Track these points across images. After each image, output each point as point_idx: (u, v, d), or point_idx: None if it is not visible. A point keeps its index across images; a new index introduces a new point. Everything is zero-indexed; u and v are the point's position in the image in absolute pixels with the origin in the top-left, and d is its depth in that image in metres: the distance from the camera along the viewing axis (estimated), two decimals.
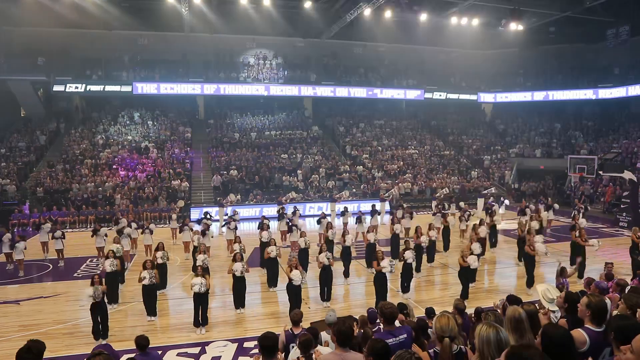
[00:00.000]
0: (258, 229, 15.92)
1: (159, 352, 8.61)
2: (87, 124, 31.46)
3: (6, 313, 11.26)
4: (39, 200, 24.04)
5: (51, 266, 15.65)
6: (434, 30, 32.36)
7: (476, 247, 12.20)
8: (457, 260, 11.52)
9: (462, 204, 21.62)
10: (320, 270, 11.41)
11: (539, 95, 35.40)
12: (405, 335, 4.71)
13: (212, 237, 16.18)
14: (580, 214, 19.45)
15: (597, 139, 32.47)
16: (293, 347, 6.07)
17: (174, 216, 19.26)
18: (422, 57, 36.98)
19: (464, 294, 11.29)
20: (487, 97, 37.76)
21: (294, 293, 10.20)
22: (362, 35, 33.09)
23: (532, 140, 34.62)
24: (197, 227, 16.69)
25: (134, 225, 17.32)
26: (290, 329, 6.36)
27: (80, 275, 14.40)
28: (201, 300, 9.86)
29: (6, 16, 26.78)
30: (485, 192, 26.80)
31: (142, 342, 6.15)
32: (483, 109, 39.95)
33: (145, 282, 10.27)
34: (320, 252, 11.52)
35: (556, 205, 21.30)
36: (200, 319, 9.94)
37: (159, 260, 11.97)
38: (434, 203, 22.31)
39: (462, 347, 3.82)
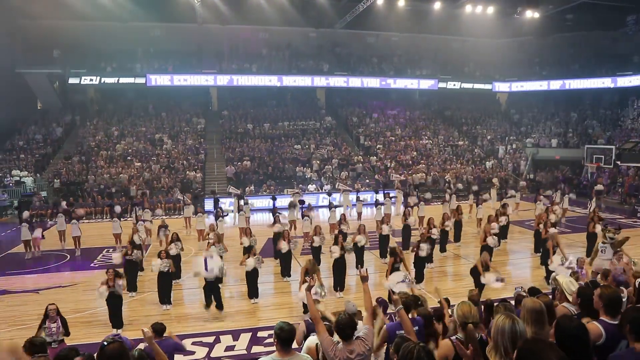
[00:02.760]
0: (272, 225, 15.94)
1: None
2: (102, 116, 31.78)
3: (26, 302, 11.50)
4: (56, 191, 24.40)
5: (69, 256, 15.92)
6: (448, 19, 31.97)
7: (491, 241, 12.50)
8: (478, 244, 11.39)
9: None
10: (334, 261, 11.47)
11: (555, 84, 34.85)
12: (416, 328, 4.74)
13: (225, 224, 16.33)
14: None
15: (615, 128, 31.87)
16: (313, 334, 6.10)
17: (189, 208, 19.37)
18: (435, 47, 36.59)
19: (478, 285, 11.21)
20: (502, 87, 37.29)
21: None
22: (375, 24, 32.79)
23: (548, 130, 34.12)
24: (211, 217, 16.95)
25: (148, 213, 17.69)
26: (310, 318, 6.40)
27: (97, 265, 14.63)
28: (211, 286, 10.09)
29: (22, 10, 27.06)
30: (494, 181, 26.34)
31: (158, 328, 6.28)
32: (498, 98, 39.44)
33: (162, 268, 10.49)
34: (334, 244, 11.62)
35: (572, 195, 21.07)
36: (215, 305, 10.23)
37: (173, 252, 12.08)
38: (448, 192, 22.31)
39: (483, 335, 3.82)
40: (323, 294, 9.44)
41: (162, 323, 6.44)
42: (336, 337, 5.00)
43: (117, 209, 19.56)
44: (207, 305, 10.22)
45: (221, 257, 11.75)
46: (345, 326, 4.10)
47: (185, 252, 13.29)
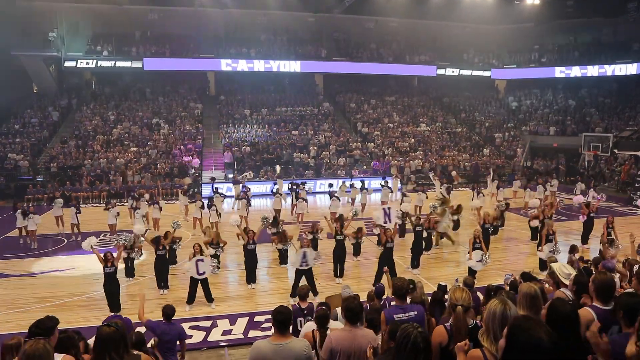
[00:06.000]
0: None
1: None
2: (99, 100, 31.57)
3: (23, 285, 11.55)
4: (53, 175, 24.35)
5: (66, 240, 15.94)
6: (448, 5, 31.66)
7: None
8: (469, 240, 11.48)
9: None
10: (334, 248, 11.55)
11: (554, 72, 34.67)
12: (415, 312, 4.77)
13: (220, 213, 16.35)
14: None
15: (613, 116, 31.83)
16: (300, 320, 6.18)
17: (182, 194, 19.24)
18: (434, 33, 36.30)
19: (473, 272, 11.31)
20: (500, 74, 37.11)
21: (302, 272, 10.25)
22: (374, 10, 32.48)
23: (546, 118, 34.06)
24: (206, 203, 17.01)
25: (147, 196, 17.69)
26: (298, 303, 6.49)
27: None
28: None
29: None
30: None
31: (168, 312, 6.37)
32: (496, 85, 39.30)
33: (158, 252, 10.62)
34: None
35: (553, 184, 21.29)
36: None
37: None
38: (437, 184, 22.40)
39: (477, 322, 3.86)
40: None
41: (173, 307, 6.48)
42: (333, 324, 5.06)
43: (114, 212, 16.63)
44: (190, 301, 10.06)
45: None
46: (354, 311, 4.16)
47: (183, 236, 13.35)
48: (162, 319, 6.40)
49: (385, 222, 12.59)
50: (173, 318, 6.44)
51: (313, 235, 12.93)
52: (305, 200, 18.13)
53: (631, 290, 4.97)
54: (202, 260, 9.77)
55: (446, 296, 6.60)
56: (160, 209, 16.64)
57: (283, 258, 12.78)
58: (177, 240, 12.36)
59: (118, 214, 16.12)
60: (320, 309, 5.35)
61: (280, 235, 12.84)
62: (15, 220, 15.64)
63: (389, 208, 12.88)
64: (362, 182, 21.24)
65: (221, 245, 12.13)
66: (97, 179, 24.23)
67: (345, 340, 4.03)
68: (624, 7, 31.03)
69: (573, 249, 9.85)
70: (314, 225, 13.34)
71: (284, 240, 12.57)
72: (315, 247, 13.51)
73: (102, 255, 9.61)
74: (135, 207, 16.57)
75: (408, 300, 5.18)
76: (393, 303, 5.24)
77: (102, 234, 16.40)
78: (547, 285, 5.76)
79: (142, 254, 12.24)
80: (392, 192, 20.99)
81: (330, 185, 21.81)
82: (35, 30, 28.51)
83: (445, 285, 7.13)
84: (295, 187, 20.02)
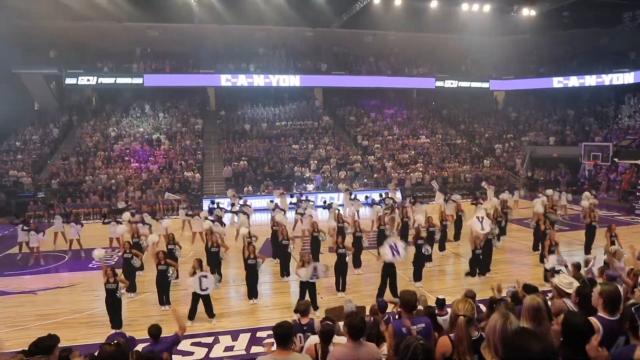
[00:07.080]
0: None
1: None
2: (99, 117, 31.71)
3: (23, 303, 11.48)
4: (54, 192, 24.35)
5: (66, 257, 15.89)
6: (445, 17, 31.92)
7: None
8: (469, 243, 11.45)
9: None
10: (336, 261, 11.50)
11: (552, 82, 34.81)
12: (423, 325, 4.74)
13: (224, 225, 16.26)
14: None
15: (612, 125, 31.90)
16: (300, 337, 6.12)
17: (182, 210, 19.13)
18: (432, 45, 36.58)
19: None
20: (499, 85, 37.27)
21: (306, 287, 10.20)
22: (372, 23, 32.74)
23: (545, 128, 34.13)
24: (210, 218, 16.87)
25: (147, 217, 17.62)
26: (298, 318, 6.41)
27: (95, 266, 14.58)
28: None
29: (18, 10, 26.95)
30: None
31: (153, 332, 6.33)
32: (495, 96, 39.46)
33: (171, 278, 10.79)
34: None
35: (569, 196, 21.02)
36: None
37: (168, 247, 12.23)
38: (438, 193, 22.40)
39: (483, 334, 3.83)
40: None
41: (158, 326, 6.44)
42: (336, 339, 5.01)
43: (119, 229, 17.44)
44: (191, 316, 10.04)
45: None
46: (356, 327, 4.11)
47: (183, 251, 13.29)
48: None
49: (393, 258, 10.95)
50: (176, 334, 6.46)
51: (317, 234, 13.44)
52: (310, 216, 17.90)
53: (633, 301, 4.93)
54: (205, 276, 9.74)
55: (439, 310, 6.63)
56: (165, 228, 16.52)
57: (284, 269, 12.89)
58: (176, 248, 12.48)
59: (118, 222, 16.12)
60: (325, 324, 5.29)
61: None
62: (16, 234, 15.63)
63: (394, 242, 11.07)
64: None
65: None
66: (98, 195, 24.22)
67: (349, 356, 3.98)
68: (620, 16, 31.34)
69: (587, 263, 9.76)
70: (314, 224, 13.81)
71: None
72: (318, 246, 13.63)
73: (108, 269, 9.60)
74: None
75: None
76: (397, 317, 5.20)
77: (104, 250, 16.32)
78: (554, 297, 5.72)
79: (141, 265, 12.30)
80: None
81: (324, 201, 21.61)
82: (36, 48, 28.78)
83: (444, 299, 7.08)
84: (299, 202, 19.96)
